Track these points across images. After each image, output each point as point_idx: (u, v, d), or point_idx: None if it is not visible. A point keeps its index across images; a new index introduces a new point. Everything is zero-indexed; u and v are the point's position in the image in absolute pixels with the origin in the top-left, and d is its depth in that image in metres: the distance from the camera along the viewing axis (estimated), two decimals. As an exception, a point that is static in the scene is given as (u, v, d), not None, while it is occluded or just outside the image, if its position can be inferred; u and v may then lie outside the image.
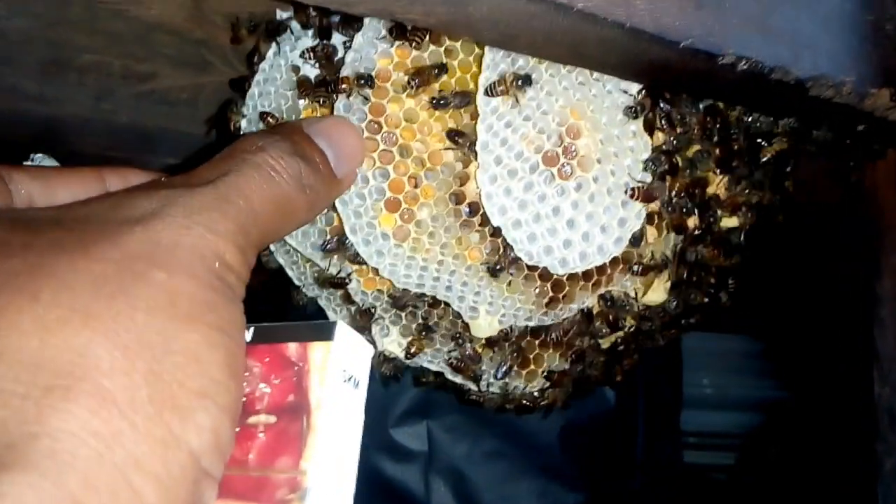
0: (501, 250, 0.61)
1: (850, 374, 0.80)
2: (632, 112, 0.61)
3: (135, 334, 0.35)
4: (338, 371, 0.44)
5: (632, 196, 0.61)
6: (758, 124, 0.69)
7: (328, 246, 0.65)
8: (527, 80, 0.57)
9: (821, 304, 1.17)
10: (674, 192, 0.65)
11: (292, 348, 0.44)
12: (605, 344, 0.72)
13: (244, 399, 0.42)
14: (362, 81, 0.60)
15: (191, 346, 0.37)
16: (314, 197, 0.50)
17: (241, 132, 0.69)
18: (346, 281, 0.66)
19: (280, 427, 0.43)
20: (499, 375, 0.68)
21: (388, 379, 0.74)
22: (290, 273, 0.73)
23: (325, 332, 0.44)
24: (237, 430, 0.40)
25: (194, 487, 0.36)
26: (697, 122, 0.65)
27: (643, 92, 0.62)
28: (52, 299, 0.35)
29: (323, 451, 0.42)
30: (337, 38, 0.64)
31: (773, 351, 1.63)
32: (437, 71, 0.60)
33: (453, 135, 0.60)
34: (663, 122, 0.63)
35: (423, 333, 0.68)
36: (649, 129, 0.63)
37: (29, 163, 0.70)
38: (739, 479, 1.57)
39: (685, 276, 0.70)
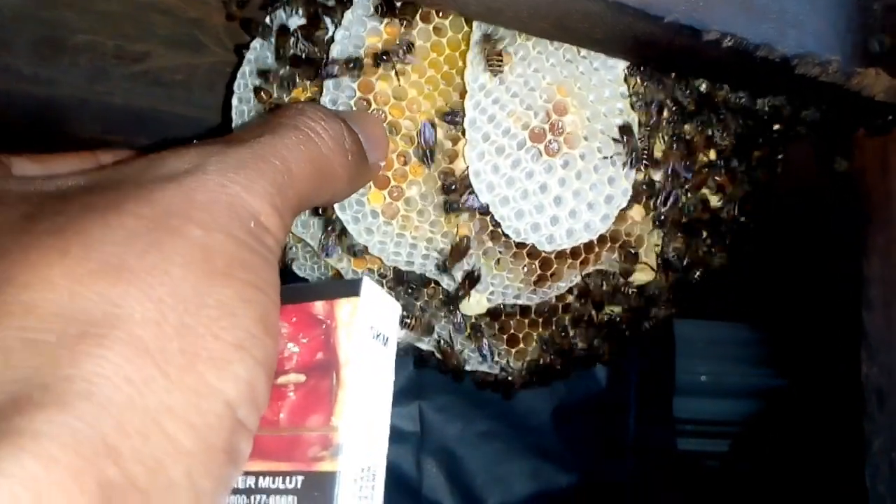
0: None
1: (841, 358, 0.81)
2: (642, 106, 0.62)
3: (169, 287, 0.36)
4: (365, 327, 0.44)
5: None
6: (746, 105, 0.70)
7: (329, 230, 0.65)
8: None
9: (814, 289, 1.18)
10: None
11: (319, 306, 0.45)
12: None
13: None
14: (351, 65, 0.61)
15: (225, 301, 0.37)
16: (354, 166, 0.50)
17: (233, 109, 0.70)
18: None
19: (310, 385, 0.43)
20: (485, 355, 0.69)
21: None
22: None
23: (351, 288, 0.45)
24: None
25: (230, 436, 0.36)
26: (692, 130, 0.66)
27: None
28: (83, 254, 0.35)
29: (353, 407, 0.43)
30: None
31: (770, 339, 1.63)
32: (406, 48, 0.60)
33: (449, 116, 0.60)
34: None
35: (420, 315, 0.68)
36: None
37: None
38: (733, 466, 1.58)
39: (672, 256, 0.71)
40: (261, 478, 0.43)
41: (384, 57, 0.60)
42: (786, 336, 1.53)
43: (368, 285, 0.45)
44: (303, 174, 0.44)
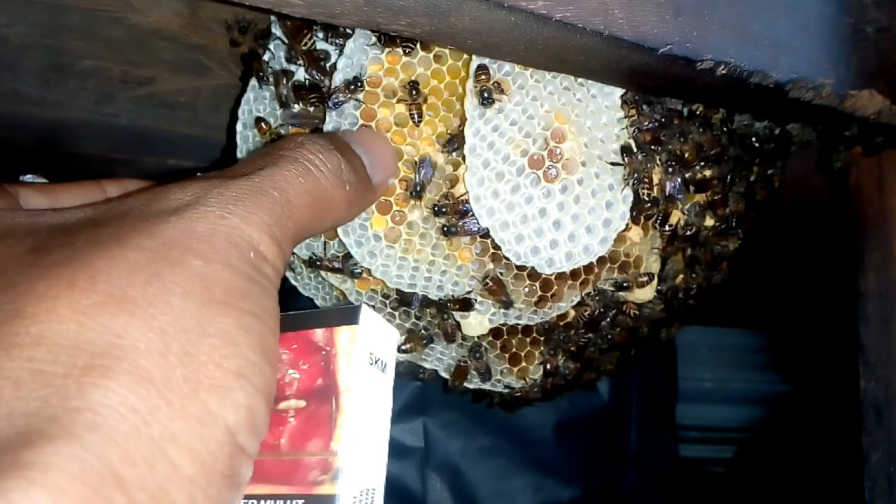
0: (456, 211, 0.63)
1: (841, 370, 0.81)
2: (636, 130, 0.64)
3: (170, 317, 0.37)
4: (364, 354, 0.45)
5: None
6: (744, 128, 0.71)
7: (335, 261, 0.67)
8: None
9: (815, 300, 1.19)
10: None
11: (319, 334, 0.46)
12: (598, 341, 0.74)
13: None
14: (352, 87, 0.62)
15: (226, 330, 0.38)
16: (353, 194, 0.51)
17: (237, 135, 0.71)
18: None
19: (310, 411, 0.44)
20: (485, 378, 0.70)
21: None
22: (287, 275, 0.74)
23: (350, 316, 0.46)
24: None
25: (231, 462, 0.37)
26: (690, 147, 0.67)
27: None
28: (89, 286, 0.37)
29: (353, 432, 0.44)
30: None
31: (773, 345, 1.64)
32: (414, 92, 0.62)
33: (450, 143, 0.62)
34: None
35: (423, 340, 0.70)
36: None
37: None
38: (737, 473, 1.58)
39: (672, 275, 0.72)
40: (262, 501, 0.44)
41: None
42: (789, 343, 1.54)
43: (367, 313, 0.46)
44: (301, 205, 0.45)
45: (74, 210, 0.45)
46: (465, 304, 0.65)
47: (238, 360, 0.38)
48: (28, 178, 0.72)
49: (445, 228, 0.62)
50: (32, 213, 0.45)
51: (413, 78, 0.62)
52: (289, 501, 0.43)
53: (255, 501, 0.44)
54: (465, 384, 0.72)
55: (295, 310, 0.48)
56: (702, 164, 0.69)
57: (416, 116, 0.61)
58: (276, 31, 0.67)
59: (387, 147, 0.60)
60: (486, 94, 0.59)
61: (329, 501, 0.43)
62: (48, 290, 0.36)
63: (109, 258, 0.38)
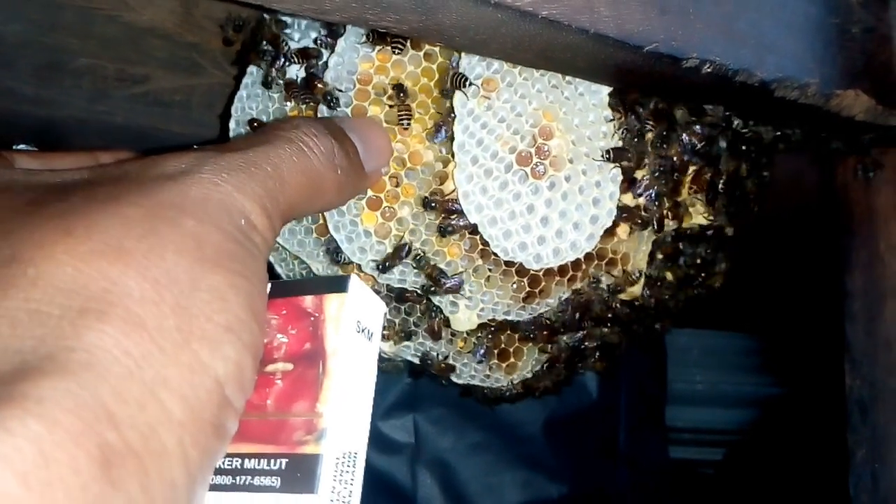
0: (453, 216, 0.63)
1: (831, 372, 0.82)
2: (624, 134, 0.64)
3: (164, 270, 0.38)
4: (352, 321, 0.46)
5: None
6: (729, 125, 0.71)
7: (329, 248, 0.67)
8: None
9: (805, 303, 1.19)
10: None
11: (308, 300, 0.47)
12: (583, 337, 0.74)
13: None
14: (329, 98, 0.63)
15: (216, 286, 0.39)
16: (344, 179, 0.52)
17: (231, 132, 0.72)
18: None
19: (297, 373, 0.46)
20: (478, 359, 0.70)
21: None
22: (278, 269, 0.75)
23: (340, 284, 0.47)
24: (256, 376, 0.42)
25: (218, 412, 0.38)
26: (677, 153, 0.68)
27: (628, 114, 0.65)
28: (86, 234, 0.38)
29: (338, 395, 0.45)
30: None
31: (764, 348, 1.64)
32: (401, 94, 0.63)
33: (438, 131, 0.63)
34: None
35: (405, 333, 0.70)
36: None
37: None
38: (727, 474, 1.59)
39: (659, 272, 0.72)
40: (247, 459, 0.45)
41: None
42: (780, 346, 1.55)
43: (356, 282, 0.47)
44: (294, 183, 0.47)
45: (71, 171, 0.46)
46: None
47: (228, 316, 0.39)
48: (21, 147, 0.73)
49: (441, 229, 0.63)
50: (30, 172, 0.47)
51: (399, 80, 0.63)
52: (273, 460, 0.44)
53: (240, 460, 0.45)
54: (455, 380, 0.73)
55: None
56: (691, 164, 0.70)
57: (405, 120, 0.62)
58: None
59: (382, 136, 0.61)
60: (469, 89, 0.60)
61: (313, 461, 0.44)
62: (45, 236, 0.38)
63: (105, 212, 0.39)
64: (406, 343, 0.71)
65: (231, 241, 0.41)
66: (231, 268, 0.40)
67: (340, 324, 0.46)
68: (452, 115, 0.62)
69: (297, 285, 0.48)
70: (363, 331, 0.47)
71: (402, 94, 0.62)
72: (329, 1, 0.47)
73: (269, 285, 0.45)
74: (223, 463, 0.45)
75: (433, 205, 0.63)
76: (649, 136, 0.66)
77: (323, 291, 0.47)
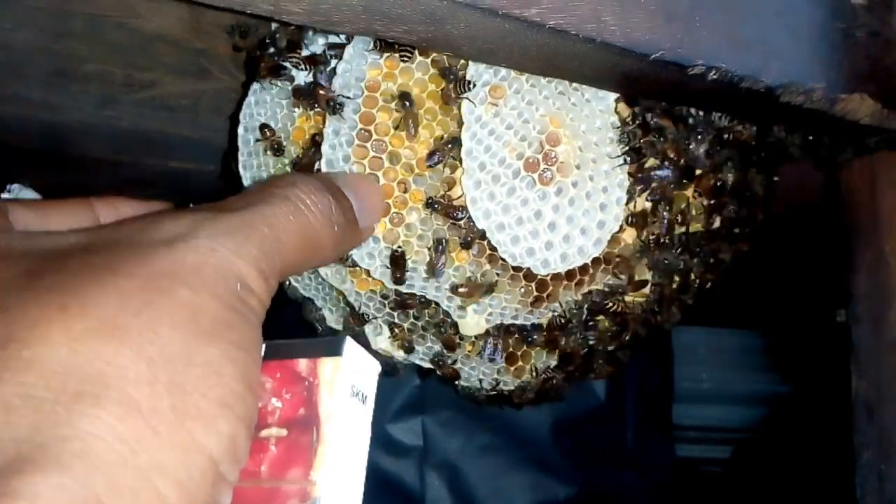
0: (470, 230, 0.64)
1: (838, 370, 0.82)
2: (625, 139, 0.64)
3: (158, 347, 0.38)
4: (346, 385, 0.46)
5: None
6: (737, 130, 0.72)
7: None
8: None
9: (812, 300, 1.19)
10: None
11: (302, 364, 0.47)
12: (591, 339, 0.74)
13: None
14: (332, 104, 0.64)
15: (211, 360, 0.39)
16: (341, 236, 0.52)
17: (239, 138, 0.72)
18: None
19: (291, 439, 0.45)
20: (487, 357, 0.70)
21: (385, 374, 0.76)
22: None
23: (334, 347, 0.47)
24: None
25: (212, 490, 0.38)
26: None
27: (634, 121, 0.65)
28: (80, 311, 0.37)
29: (332, 462, 0.45)
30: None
31: (771, 346, 1.64)
32: (407, 103, 0.63)
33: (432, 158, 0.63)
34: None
35: (412, 332, 0.71)
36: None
37: (6, 194, 0.71)
38: (734, 473, 1.59)
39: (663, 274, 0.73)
40: None
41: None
42: (787, 343, 1.54)
43: (350, 346, 0.47)
44: (290, 243, 0.46)
45: (67, 235, 0.46)
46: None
47: (222, 391, 0.39)
48: (14, 187, 0.72)
49: (463, 242, 0.64)
50: (26, 236, 0.46)
51: (404, 89, 0.63)
52: None
53: None
54: (463, 383, 0.73)
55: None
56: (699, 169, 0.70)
57: (411, 128, 0.63)
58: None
59: (376, 192, 0.61)
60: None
61: None
62: (41, 314, 0.37)
63: (101, 285, 0.39)
64: (416, 347, 0.71)
65: (227, 309, 0.41)
66: (226, 338, 0.40)
67: (335, 388, 0.46)
68: (449, 144, 0.63)
69: (291, 348, 0.47)
70: (357, 394, 0.47)
71: (407, 104, 0.62)
72: (338, 13, 0.47)
73: (264, 346, 0.45)
74: None
75: (436, 206, 0.63)
76: (652, 142, 0.66)
77: (317, 355, 0.47)
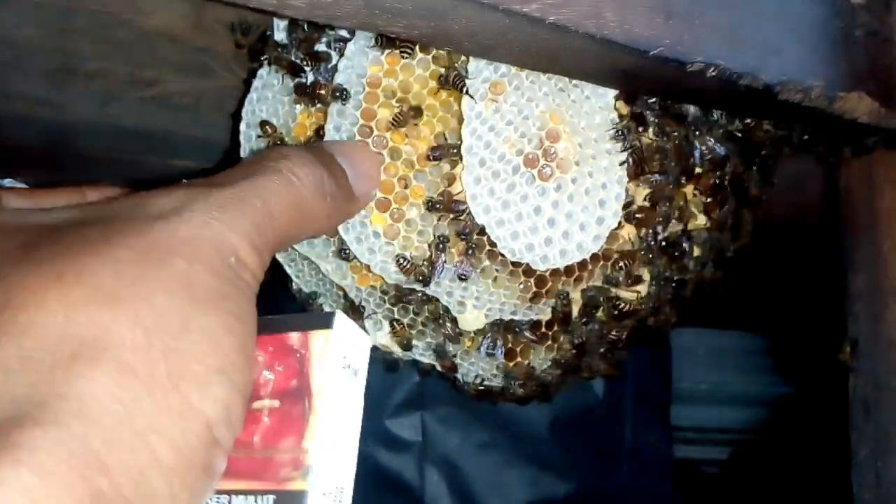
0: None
1: (837, 371, 0.83)
2: (619, 135, 0.65)
3: (154, 314, 0.38)
4: (337, 358, 0.47)
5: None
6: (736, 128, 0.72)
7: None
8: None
9: (811, 301, 1.20)
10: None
11: (294, 337, 0.47)
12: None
13: None
14: (338, 94, 0.64)
15: (207, 328, 0.40)
16: (334, 206, 0.52)
17: (241, 134, 0.72)
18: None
19: (283, 410, 0.46)
20: (486, 352, 0.71)
21: (385, 370, 0.77)
22: (287, 270, 0.76)
23: (325, 321, 0.47)
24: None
25: (207, 454, 0.39)
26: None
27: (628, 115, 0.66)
28: (76, 279, 0.38)
29: (324, 432, 0.45)
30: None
31: (769, 347, 1.65)
32: (413, 114, 0.63)
33: (435, 152, 0.64)
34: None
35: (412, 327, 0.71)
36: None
37: None
38: (732, 473, 1.59)
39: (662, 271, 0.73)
40: (234, 496, 0.45)
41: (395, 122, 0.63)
42: (786, 345, 1.55)
43: (341, 319, 0.48)
44: (282, 216, 0.47)
45: (61, 210, 0.47)
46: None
47: (218, 357, 0.40)
48: (7, 182, 0.73)
49: (460, 234, 0.64)
50: (20, 213, 0.47)
51: (417, 104, 0.64)
52: (260, 497, 0.45)
53: (227, 496, 0.45)
54: (461, 378, 0.74)
55: (283, 310, 0.49)
56: (697, 167, 0.71)
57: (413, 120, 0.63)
58: (280, 34, 0.69)
59: (371, 159, 0.62)
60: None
61: (299, 497, 0.44)
62: (37, 282, 0.38)
63: (96, 255, 0.40)
64: (415, 342, 0.72)
65: (221, 281, 0.41)
66: (222, 307, 0.41)
67: (325, 361, 0.46)
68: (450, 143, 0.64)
69: (283, 322, 0.48)
70: (348, 367, 0.48)
71: (412, 113, 0.63)
72: (339, 7, 0.48)
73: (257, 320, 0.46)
74: (211, 500, 0.45)
75: (438, 206, 0.64)
76: (648, 140, 0.67)
77: (308, 328, 0.47)
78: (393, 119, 0.63)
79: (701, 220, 0.73)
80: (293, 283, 0.77)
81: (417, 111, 0.63)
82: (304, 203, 0.49)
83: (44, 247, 0.41)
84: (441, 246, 0.64)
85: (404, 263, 0.65)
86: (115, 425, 0.35)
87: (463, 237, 0.64)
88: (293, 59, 0.67)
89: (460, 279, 0.65)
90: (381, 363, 0.76)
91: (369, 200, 0.62)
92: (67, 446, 0.33)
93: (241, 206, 0.44)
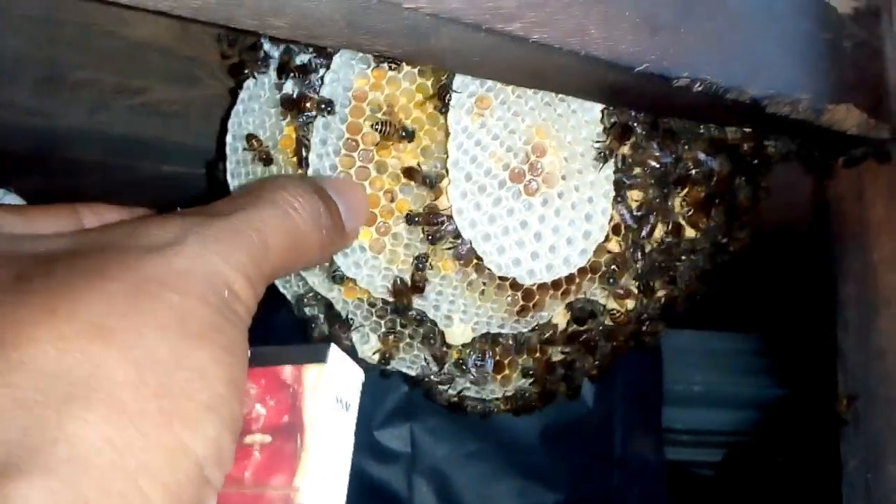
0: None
1: (830, 373, 0.83)
2: (602, 157, 0.65)
3: (146, 350, 0.38)
4: (330, 393, 0.46)
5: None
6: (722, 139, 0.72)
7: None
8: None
9: (805, 303, 1.20)
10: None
11: (287, 371, 0.47)
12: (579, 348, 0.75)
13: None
14: (323, 106, 0.64)
15: (199, 363, 0.39)
16: (328, 238, 0.52)
17: (227, 146, 0.72)
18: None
19: (275, 446, 0.45)
20: (476, 364, 0.71)
21: (380, 375, 0.77)
22: (276, 282, 0.76)
23: (319, 355, 0.47)
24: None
25: (197, 493, 0.38)
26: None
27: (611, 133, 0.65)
28: (69, 314, 0.38)
29: (315, 469, 0.45)
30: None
31: (763, 349, 1.65)
32: (403, 133, 0.63)
33: (410, 172, 0.64)
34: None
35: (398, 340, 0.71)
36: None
37: None
38: (725, 475, 1.59)
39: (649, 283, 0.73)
40: None
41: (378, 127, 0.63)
42: (779, 346, 1.55)
43: (335, 353, 0.47)
44: (278, 247, 0.47)
45: (55, 238, 0.46)
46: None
47: (209, 394, 0.39)
48: (0, 192, 0.73)
49: (431, 237, 0.64)
50: (13, 239, 0.46)
51: (409, 126, 0.64)
52: None
53: None
54: (449, 391, 0.74)
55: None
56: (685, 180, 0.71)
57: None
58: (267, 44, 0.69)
59: (362, 195, 0.62)
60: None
61: None
62: (30, 317, 0.38)
63: (89, 289, 0.39)
64: (402, 356, 0.71)
65: (215, 314, 0.41)
66: (215, 342, 0.40)
67: (318, 396, 0.46)
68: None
69: (276, 354, 0.48)
70: (341, 402, 0.47)
71: (404, 133, 0.63)
72: (321, 27, 0.48)
73: (249, 352, 0.45)
74: None
75: (416, 219, 0.63)
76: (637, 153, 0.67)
77: (302, 361, 0.47)
78: (381, 134, 0.63)
79: (690, 231, 0.73)
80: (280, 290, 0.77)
81: (411, 134, 0.64)
82: (299, 234, 0.49)
83: (37, 279, 0.40)
84: (421, 266, 0.64)
85: (399, 285, 0.65)
86: (106, 469, 0.35)
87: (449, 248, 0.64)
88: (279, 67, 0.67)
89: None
90: (371, 370, 0.75)
91: (357, 235, 0.62)
92: (57, 496, 0.33)
93: (237, 238, 0.44)
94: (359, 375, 0.50)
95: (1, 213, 0.50)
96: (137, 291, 0.39)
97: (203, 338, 0.40)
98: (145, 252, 0.42)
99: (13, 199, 0.73)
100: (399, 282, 0.65)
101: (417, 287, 0.65)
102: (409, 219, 0.64)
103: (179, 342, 0.39)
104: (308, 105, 0.65)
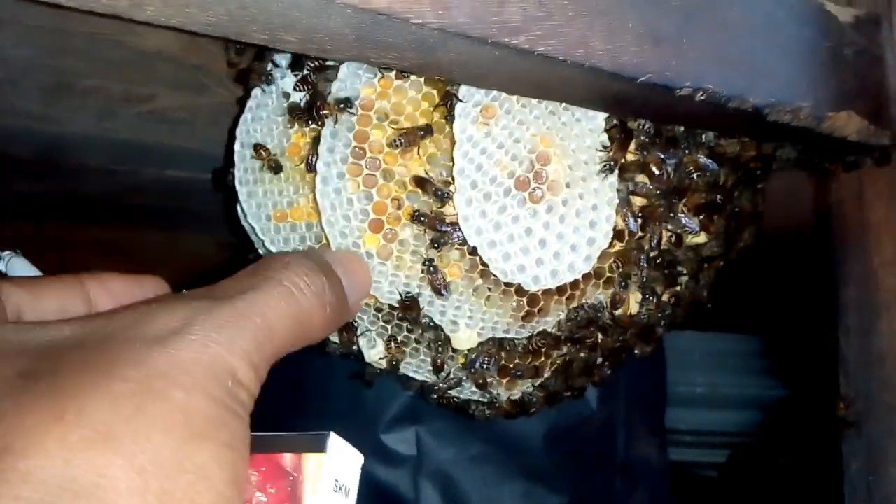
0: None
1: (829, 373, 0.83)
2: (608, 169, 0.65)
3: (150, 454, 0.38)
4: (330, 481, 0.47)
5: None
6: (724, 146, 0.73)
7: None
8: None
9: (808, 305, 1.20)
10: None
11: (287, 458, 0.47)
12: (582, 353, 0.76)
13: None
14: (342, 105, 0.64)
15: (202, 465, 0.39)
16: (332, 316, 0.52)
17: (235, 154, 0.73)
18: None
19: None
20: (479, 366, 0.71)
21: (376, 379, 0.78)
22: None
23: (318, 444, 0.47)
24: None
25: None
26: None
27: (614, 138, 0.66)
28: (76, 420, 0.38)
29: None
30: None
31: (766, 350, 1.65)
32: (422, 132, 0.64)
33: (421, 182, 0.65)
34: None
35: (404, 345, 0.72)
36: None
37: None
38: (729, 476, 1.60)
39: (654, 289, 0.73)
40: None
41: (400, 141, 0.64)
42: (783, 347, 1.55)
43: (335, 441, 0.47)
44: (282, 329, 0.47)
45: (61, 327, 0.46)
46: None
47: (211, 495, 0.39)
48: (6, 254, 0.73)
49: (434, 241, 0.64)
50: (19, 330, 0.46)
51: (400, 109, 0.65)
52: None
53: None
54: (456, 395, 0.74)
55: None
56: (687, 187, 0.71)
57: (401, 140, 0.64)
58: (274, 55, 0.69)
59: (364, 270, 0.62)
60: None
61: None
62: (38, 423, 0.38)
63: (95, 389, 0.39)
64: (408, 361, 0.72)
65: (219, 408, 0.41)
66: (217, 439, 0.41)
67: (318, 484, 0.46)
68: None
69: (276, 441, 0.48)
70: (340, 489, 0.47)
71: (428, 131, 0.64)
72: (331, 41, 0.48)
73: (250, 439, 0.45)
74: None
75: (423, 218, 0.64)
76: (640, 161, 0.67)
77: (302, 450, 0.47)
78: (404, 146, 0.64)
79: (694, 238, 0.73)
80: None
81: (427, 129, 0.64)
82: (303, 315, 0.49)
83: (44, 378, 0.40)
84: (431, 269, 0.65)
85: (408, 300, 0.66)
86: None
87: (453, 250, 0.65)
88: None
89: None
90: (377, 372, 0.76)
91: (358, 310, 0.62)
92: None
93: (241, 323, 0.44)
94: (358, 459, 0.50)
95: (6, 288, 0.50)
96: (142, 390, 0.40)
97: (206, 437, 0.40)
98: (151, 343, 0.42)
99: (21, 261, 0.73)
100: (407, 296, 0.66)
101: (438, 291, 0.66)
102: (415, 217, 0.64)
103: (183, 443, 0.39)
104: (323, 107, 0.65)
